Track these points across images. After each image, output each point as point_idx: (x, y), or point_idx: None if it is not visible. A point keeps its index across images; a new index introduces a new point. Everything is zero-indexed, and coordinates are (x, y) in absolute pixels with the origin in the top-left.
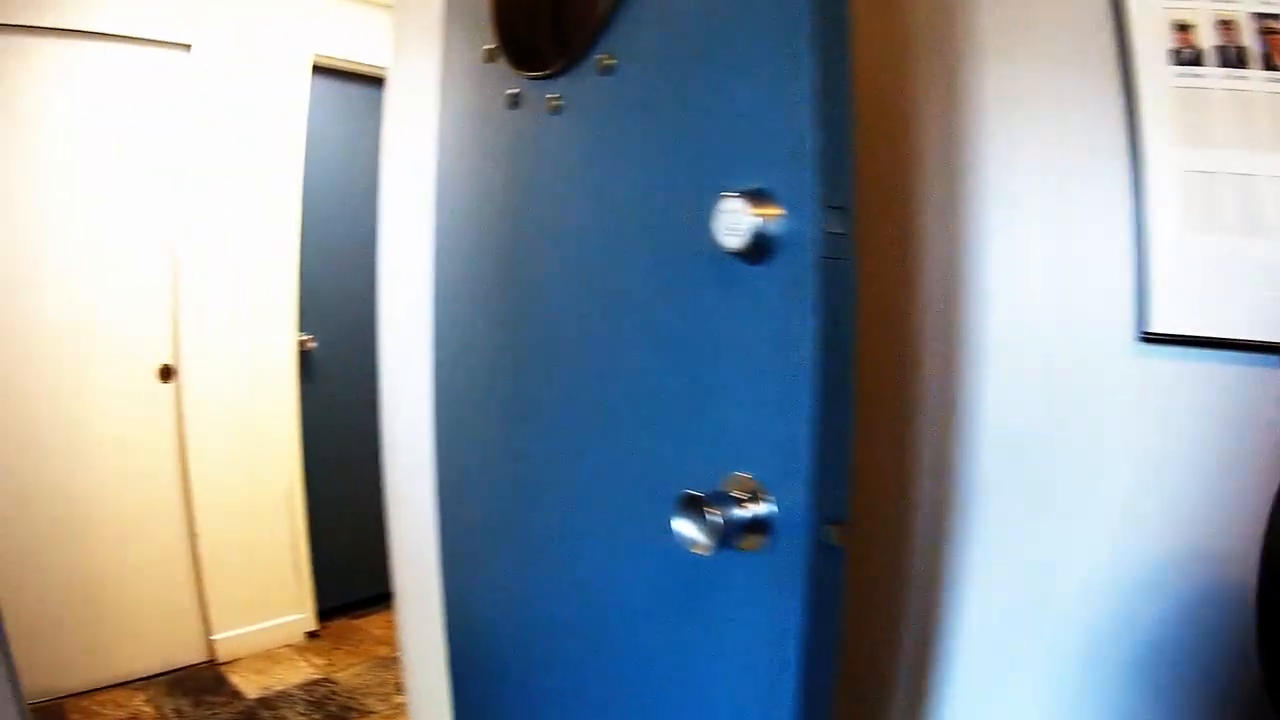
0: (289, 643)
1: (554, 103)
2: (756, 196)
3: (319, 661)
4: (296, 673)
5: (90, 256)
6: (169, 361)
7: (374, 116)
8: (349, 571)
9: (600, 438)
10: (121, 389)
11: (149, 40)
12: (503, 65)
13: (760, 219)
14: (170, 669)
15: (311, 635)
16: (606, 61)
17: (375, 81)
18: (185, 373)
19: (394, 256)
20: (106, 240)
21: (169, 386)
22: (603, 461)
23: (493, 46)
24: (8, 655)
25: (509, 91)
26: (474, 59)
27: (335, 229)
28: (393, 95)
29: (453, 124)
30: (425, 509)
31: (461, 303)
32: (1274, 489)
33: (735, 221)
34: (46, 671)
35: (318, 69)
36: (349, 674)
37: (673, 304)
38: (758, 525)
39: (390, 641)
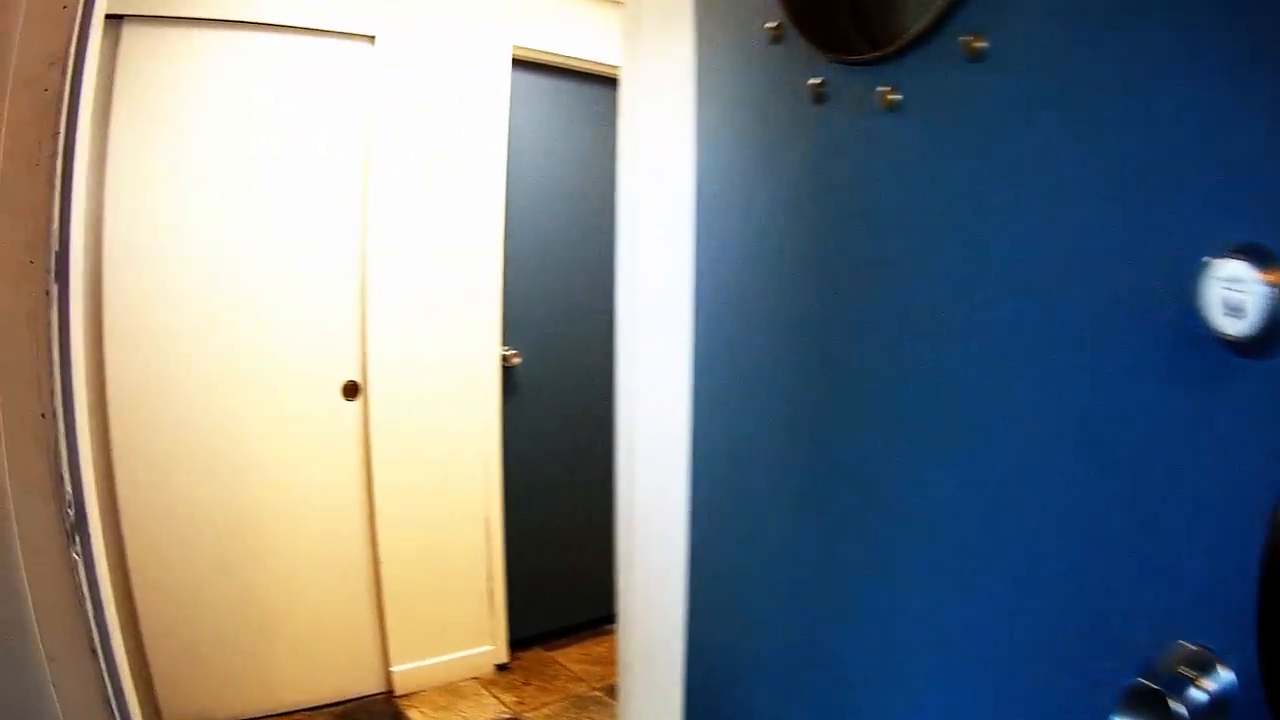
0: (476, 676)
1: (888, 98)
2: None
3: (508, 698)
4: (483, 710)
5: (268, 261)
6: (354, 377)
7: (582, 114)
8: (544, 600)
9: (975, 555)
10: (302, 406)
11: (329, 31)
12: (798, 47)
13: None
14: (343, 700)
15: (501, 668)
16: (975, 43)
17: (582, 76)
18: (373, 389)
19: (638, 274)
20: (287, 244)
21: (354, 404)
22: (984, 593)
23: (779, 23)
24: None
25: (811, 82)
26: (749, 41)
27: (541, 236)
28: (630, 89)
29: (718, 123)
30: (671, 544)
31: (743, 334)
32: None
33: (1237, 294)
34: (214, 698)
35: (517, 62)
36: (541, 714)
37: (1111, 399)
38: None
39: (588, 678)
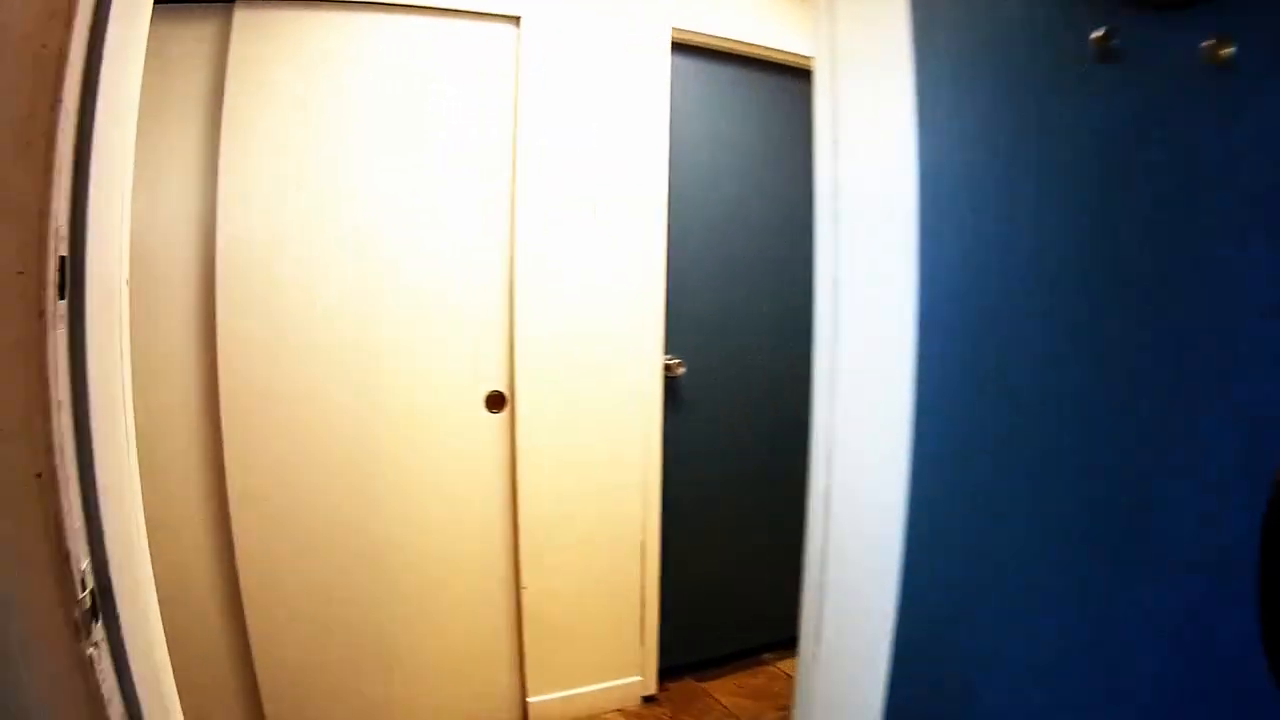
0: (620, 708)
1: (1218, 52)
2: None
3: None
4: None
5: (404, 261)
6: (499, 388)
7: (750, 105)
8: (698, 627)
9: None
10: (440, 419)
11: (469, 12)
12: None
13: None
14: None
15: (648, 700)
16: None
17: (749, 63)
18: (520, 400)
19: (842, 280)
20: (425, 243)
21: (498, 417)
22: None
23: None
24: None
25: (1094, 35)
26: None
27: (707, 235)
28: (828, 65)
29: (951, 101)
30: (879, 571)
31: (1000, 347)
32: None
33: None
34: None
35: (678, 46)
36: None
37: None
38: None
39: (742, 713)
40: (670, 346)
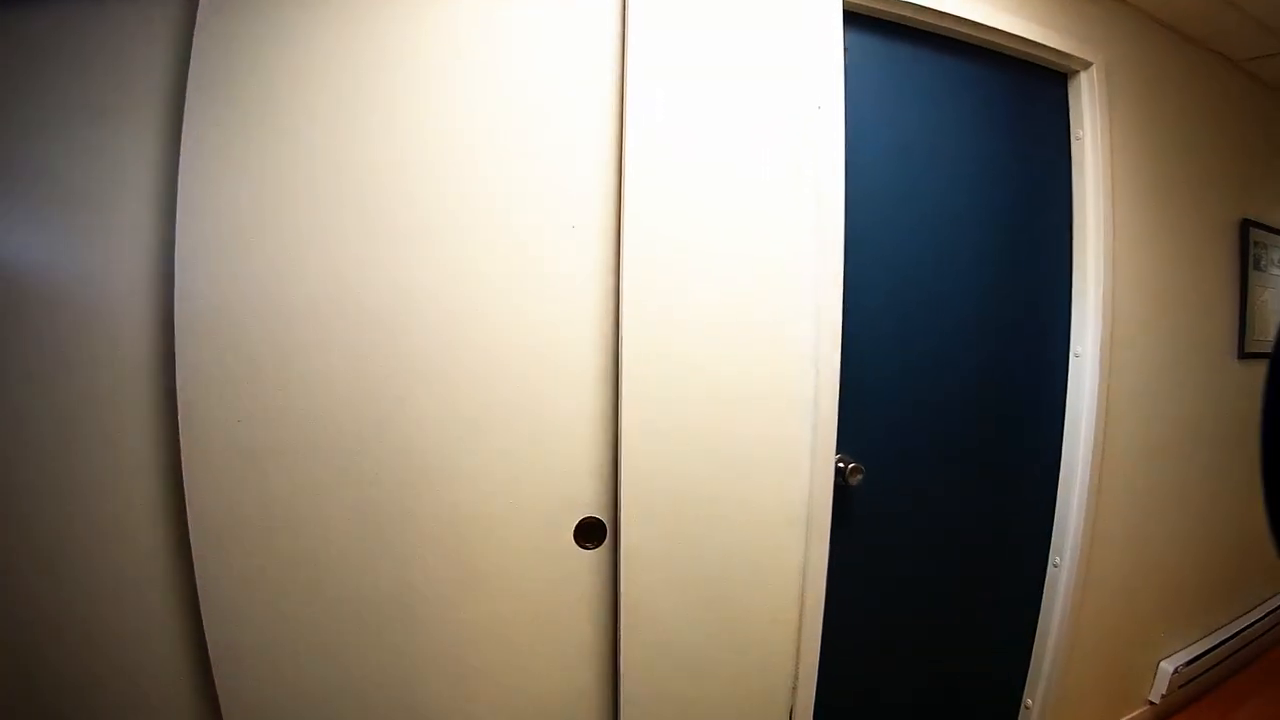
0: None
1: None
2: None
3: None
4: None
5: (450, 328)
6: (595, 513)
7: (964, 105)
8: None
9: None
10: (509, 554)
11: None
12: None
13: None
14: None
15: None
16: None
17: (961, 48)
18: (626, 531)
19: None
20: (478, 306)
21: (594, 554)
22: None
23: None
24: None
25: None
26: None
27: (899, 287)
28: None
29: None
30: None
31: None
32: None
33: None
34: None
35: (852, 16)
36: None
37: None
38: None
39: None
40: (843, 443)
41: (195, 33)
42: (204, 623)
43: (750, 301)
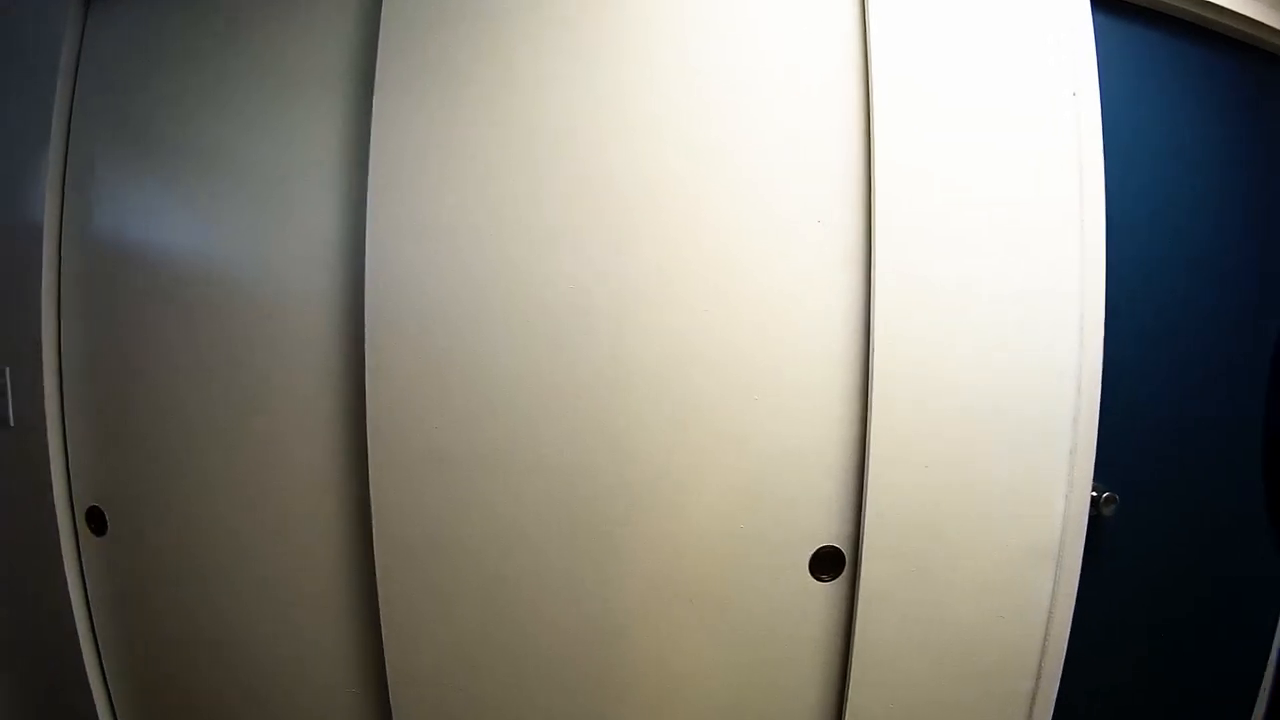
0: None
1: None
2: None
3: None
4: None
5: (646, 327)
6: (834, 542)
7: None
8: None
9: None
10: (731, 584)
11: None
12: None
13: None
14: None
15: None
16: None
17: (1237, 46)
18: (869, 563)
19: None
20: (687, 300)
21: (831, 586)
22: None
23: None
24: None
25: None
26: None
27: (1163, 301)
28: None
29: None
30: None
31: None
32: None
33: None
34: None
35: (1103, 3)
36: None
37: None
38: None
39: None
40: (1098, 471)
41: (383, 13)
42: (384, 640)
43: (1009, 309)
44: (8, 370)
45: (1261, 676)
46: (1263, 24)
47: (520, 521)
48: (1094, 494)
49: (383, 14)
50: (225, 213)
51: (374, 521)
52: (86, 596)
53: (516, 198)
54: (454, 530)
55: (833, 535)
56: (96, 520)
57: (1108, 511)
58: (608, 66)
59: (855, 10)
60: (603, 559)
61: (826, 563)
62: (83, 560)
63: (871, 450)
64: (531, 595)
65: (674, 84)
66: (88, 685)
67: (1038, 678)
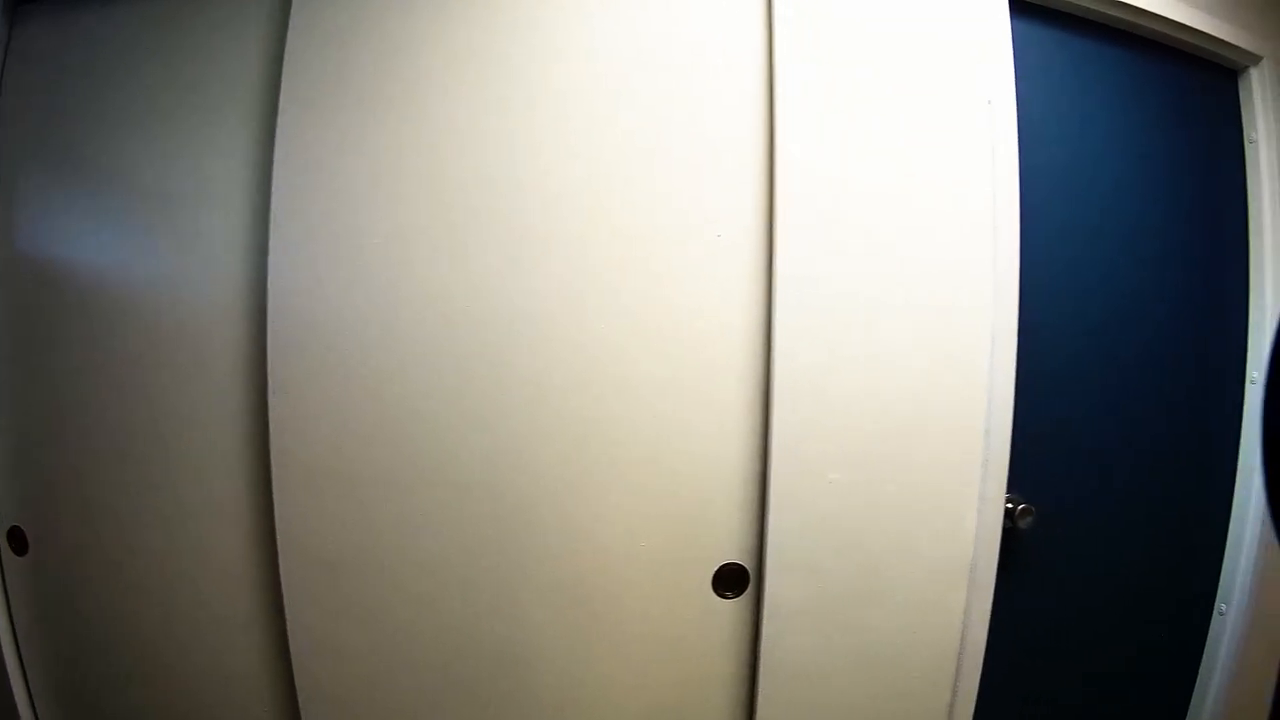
0: None
1: None
2: None
3: None
4: None
5: (558, 344)
6: (737, 559)
7: (1149, 108)
8: None
9: None
10: (635, 602)
11: None
12: None
13: None
14: None
15: None
16: None
17: (1143, 44)
18: (771, 579)
19: None
20: (594, 315)
21: (734, 604)
22: None
23: None
24: None
25: None
26: None
27: (1077, 310)
28: None
29: None
30: None
31: None
32: None
33: None
34: None
35: (1020, 6)
36: None
37: None
38: None
39: None
40: (1013, 481)
41: (290, 17)
42: (292, 660)
43: (919, 320)
44: None
45: (1193, 684)
46: (1182, 24)
47: (426, 540)
48: (1010, 506)
49: (288, 33)
50: (133, 230)
51: (279, 542)
52: (10, 616)
53: (420, 213)
54: (360, 549)
55: (736, 552)
56: (18, 540)
57: (1024, 524)
58: (513, 81)
59: (762, 20)
60: (509, 577)
61: (730, 580)
62: (5, 580)
63: (773, 465)
64: (439, 614)
65: (579, 98)
66: (15, 706)
67: (954, 692)
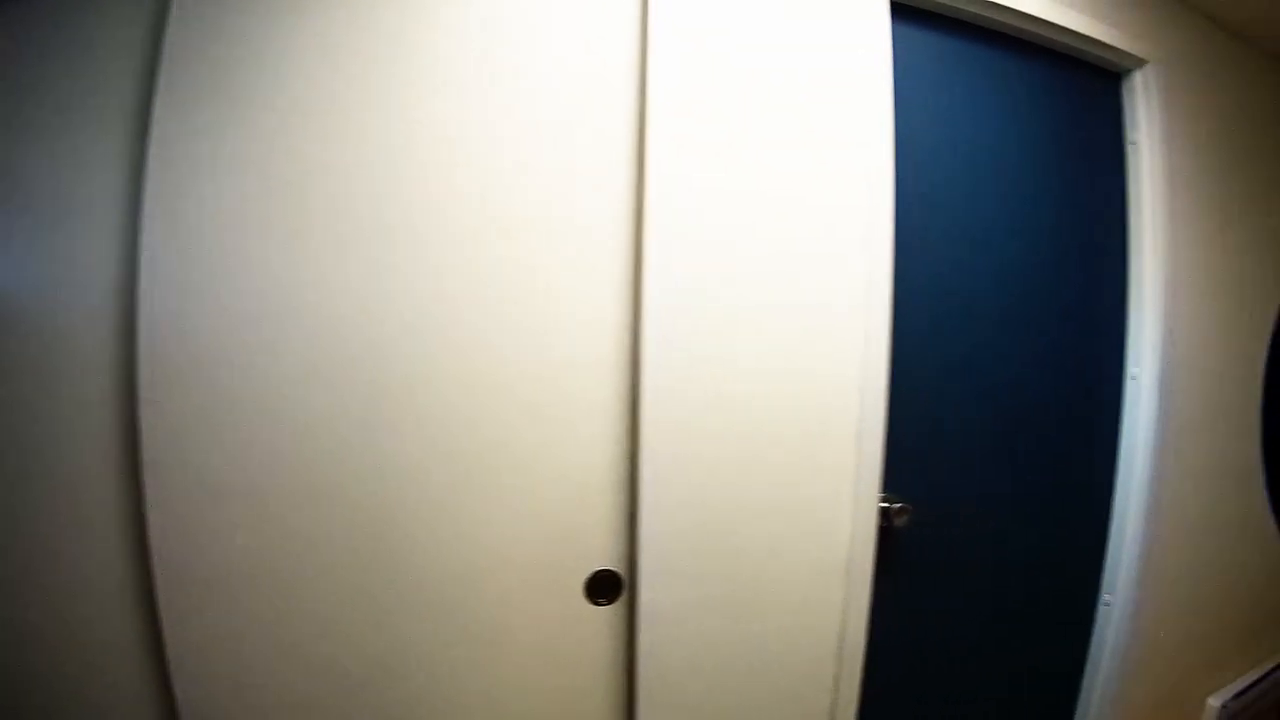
0: None
1: None
2: None
3: None
4: None
5: (429, 352)
6: (610, 565)
7: (1010, 95)
8: None
9: None
10: (509, 611)
11: None
12: None
13: None
14: None
15: None
16: None
17: (1024, 47)
18: (645, 584)
19: None
20: (468, 322)
21: (608, 611)
22: None
23: None
24: None
25: None
26: None
27: (955, 309)
28: None
29: None
30: None
31: None
32: None
33: None
34: None
35: (901, 9)
36: None
37: None
38: None
39: None
40: (889, 480)
41: (168, 24)
42: (171, 681)
43: (790, 322)
44: None
45: (1082, 672)
46: (1067, 29)
47: (301, 556)
48: (886, 506)
49: (165, 38)
50: (5, 239)
51: (153, 561)
52: None
53: (292, 218)
54: (235, 567)
55: (609, 558)
56: None
57: (900, 523)
58: (393, 82)
59: (637, 21)
60: (384, 591)
61: (604, 586)
62: None
63: (643, 469)
64: (316, 632)
65: (452, 101)
66: None
67: (836, 692)
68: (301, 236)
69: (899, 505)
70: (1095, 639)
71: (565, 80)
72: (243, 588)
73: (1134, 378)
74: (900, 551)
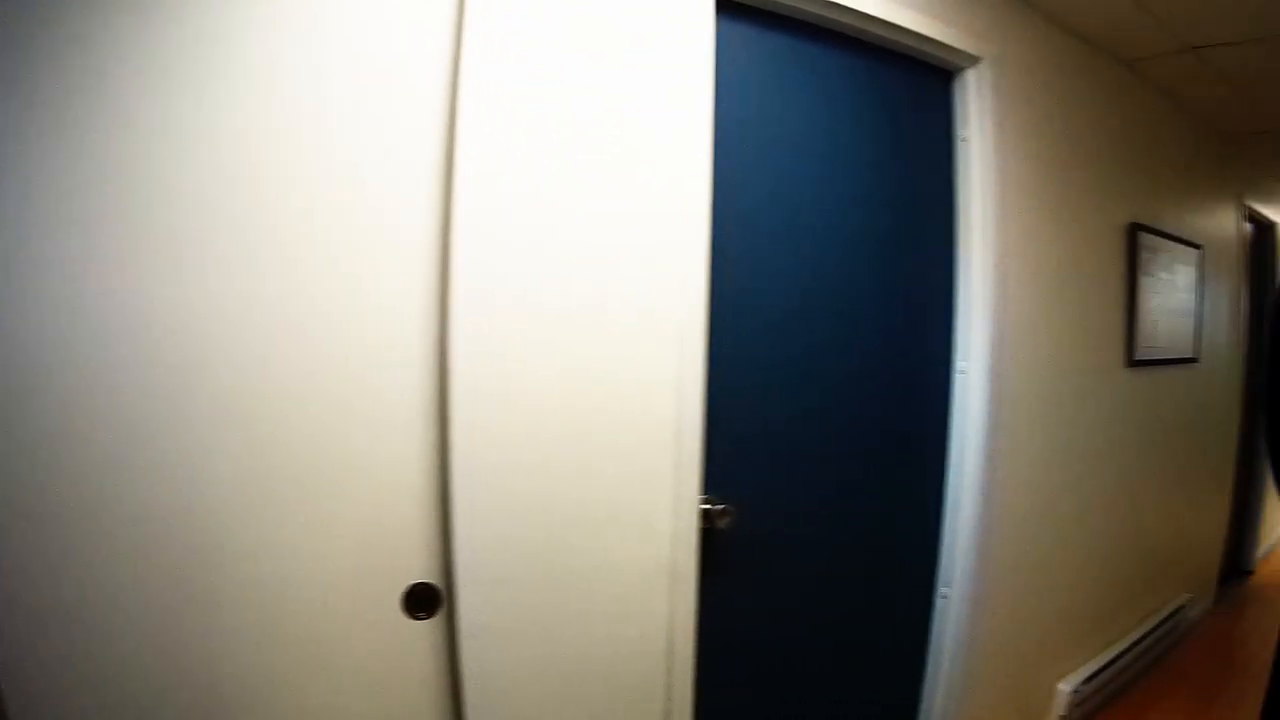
0: None
1: None
2: None
3: None
4: None
5: (228, 349)
6: (427, 578)
7: (850, 102)
8: None
9: None
10: (322, 630)
11: None
12: None
13: None
14: None
15: None
16: None
17: (848, 42)
18: (464, 596)
19: None
20: (263, 317)
21: (428, 625)
22: None
23: None
24: None
25: None
26: None
27: (775, 308)
28: None
29: None
30: None
31: None
32: None
33: None
34: None
35: (730, 5)
36: None
37: None
38: None
39: None
40: (710, 482)
41: None
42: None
43: (603, 318)
44: None
45: (924, 664)
46: (900, 27)
47: (122, 577)
48: (708, 508)
49: None
50: None
51: None
52: None
53: (96, 222)
54: (56, 594)
55: (425, 570)
56: None
57: (723, 524)
58: (213, 78)
59: (452, 24)
60: (205, 615)
61: (422, 600)
62: None
63: (455, 477)
64: (142, 660)
65: (255, 101)
66: None
67: (669, 698)
68: (104, 245)
69: (721, 506)
70: (935, 631)
71: (376, 78)
72: (73, 618)
73: (962, 372)
74: (729, 554)
